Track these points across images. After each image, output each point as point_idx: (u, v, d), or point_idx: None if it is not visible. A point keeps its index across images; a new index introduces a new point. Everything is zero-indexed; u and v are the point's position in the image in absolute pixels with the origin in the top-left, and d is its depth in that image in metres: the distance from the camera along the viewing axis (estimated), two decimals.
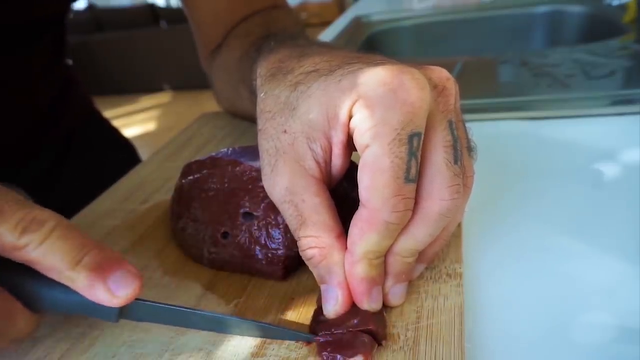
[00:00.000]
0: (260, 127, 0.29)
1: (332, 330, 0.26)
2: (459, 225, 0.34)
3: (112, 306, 0.25)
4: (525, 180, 0.41)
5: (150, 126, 3.37)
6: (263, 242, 0.31)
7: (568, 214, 0.36)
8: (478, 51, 1.01)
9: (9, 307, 0.24)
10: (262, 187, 0.31)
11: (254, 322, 0.27)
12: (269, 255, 0.31)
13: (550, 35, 1.00)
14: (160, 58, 3.92)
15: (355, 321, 0.26)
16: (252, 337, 0.27)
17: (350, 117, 0.25)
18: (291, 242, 0.31)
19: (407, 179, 0.24)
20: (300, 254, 0.27)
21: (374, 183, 0.24)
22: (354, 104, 0.25)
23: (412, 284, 0.29)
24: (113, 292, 0.24)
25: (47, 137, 0.60)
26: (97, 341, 0.28)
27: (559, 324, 0.28)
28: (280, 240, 0.31)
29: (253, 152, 0.34)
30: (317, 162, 0.27)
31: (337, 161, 0.27)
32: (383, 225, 0.25)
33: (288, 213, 0.27)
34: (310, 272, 0.31)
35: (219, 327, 0.27)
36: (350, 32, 1.01)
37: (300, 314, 0.29)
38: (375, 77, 0.25)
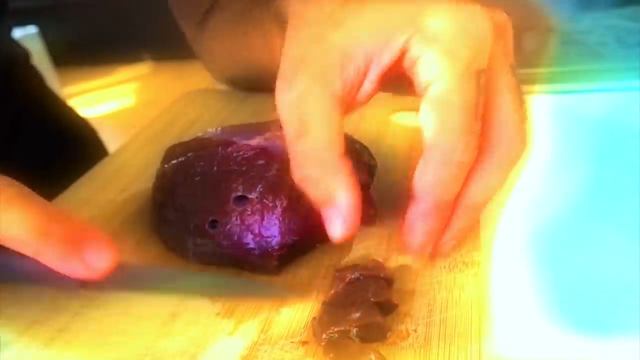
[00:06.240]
0: (290, 32, 0.29)
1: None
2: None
3: (89, 278, 0.24)
4: (552, 159, 0.41)
5: (127, 102, 3.35)
6: (257, 229, 0.31)
7: (599, 198, 0.36)
8: None
9: None
10: (260, 167, 0.31)
11: (218, 278, 0.29)
12: (263, 244, 0.31)
13: None
14: (138, 23, 3.88)
15: (358, 315, 0.26)
16: (241, 338, 0.27)
17: (404, 48, 0.26)
18: (288, 230, 0.31)
19: (477, 116, 0.25)
20: (295, 172, 0.27)
21: (446, 120, 0.25)
22: (413, 34, 0.25)
23: (422, 274, 0.29)
24: (90, 264, 0.24)
25: None
26: (71, 345, 0.28)
27: (590, 319, 0.28)
28: (276, 227, 0.31)
29: (247, 130, 0.34)
30: (344, 83, 0.27)
31: (368, 87, 0.27)
32: (456, 167, 0.25)
33: (289, 119, 0.27)
34: (307, 266, 0.32)
35: (179, 284, 0.28)
36: None
37: (296, 311, 0.29)
38: (441, 9, 0.25)
